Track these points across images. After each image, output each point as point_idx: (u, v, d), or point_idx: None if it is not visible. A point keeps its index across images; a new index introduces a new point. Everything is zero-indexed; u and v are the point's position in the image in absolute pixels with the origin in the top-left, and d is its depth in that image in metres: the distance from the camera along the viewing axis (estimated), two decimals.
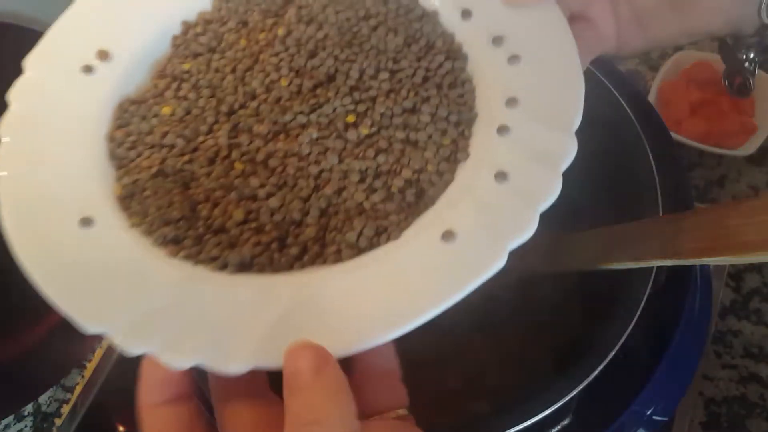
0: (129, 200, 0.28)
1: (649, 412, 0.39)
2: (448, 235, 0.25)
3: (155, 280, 0.25)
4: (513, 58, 0.29)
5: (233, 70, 0.32)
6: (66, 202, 0.27)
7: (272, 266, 0.26)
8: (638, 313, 0.34)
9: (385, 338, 0.23)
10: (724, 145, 0.64)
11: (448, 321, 0.48)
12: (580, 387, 0.32)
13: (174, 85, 0.32)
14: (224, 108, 0.31)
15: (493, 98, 0.29)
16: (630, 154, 0.40)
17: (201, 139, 0.30)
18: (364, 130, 0.29)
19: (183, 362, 0.22)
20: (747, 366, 0.55)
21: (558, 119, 0.27)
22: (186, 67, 0.32)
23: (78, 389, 0.60)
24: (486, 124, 0.28)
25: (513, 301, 0.42)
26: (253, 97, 0.31)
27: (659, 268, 0.36)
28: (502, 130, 0.27)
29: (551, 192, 0.26)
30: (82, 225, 0.27)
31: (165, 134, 0.30)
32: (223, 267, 0.26)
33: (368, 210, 0.27)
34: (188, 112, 0.31)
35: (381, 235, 0.26)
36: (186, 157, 0.29)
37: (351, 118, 0.29)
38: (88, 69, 0.32)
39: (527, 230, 0.24)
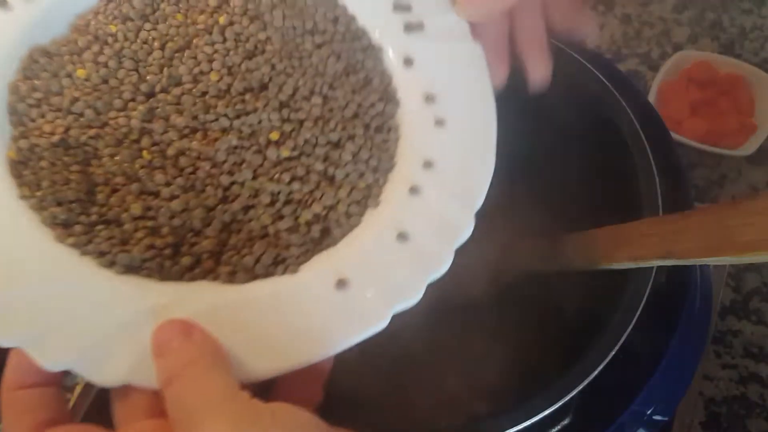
0: (22, 167, 0.26)
1: (649, 412, 0.39)
2: (341, 284, 0.25)
3: (34, 267, 0.23)
4: (439, 122, 0.29)
5: (162, 47, 0.29)
6: None
7: (161, 273, 0.25)
8: (638, 312, 0.34)
9: (264, 374, 0.23)
10: (723, 145, 0.64)
11: (448, 321, 0.48)
12: (580, 386, 0.32)
13: (95, 47, 0.29)
14: (144, 87, 0.28)
15: (413, 155, 0.29)
16: (630, 154, 0.40)
17: (113, 114, 0.28)
18: (284, 152, 0.28)
19: (50, 363, 0.21)
20: (747, 366, 0.55)
21: (465, 196, 0.28)
22: (112, 29, 0.30)
23: (78, 389, 0.60)
24: (400, 178, 0.28)
25: (513, 299, 0.42)
26: (178, 83, 0.29)
27: (659, 268, 0.36)
28: (414, 190, 0.28)
29: (443, 265, 0.26)
30: None
31: (75, 100, 0.27)
32: (111, 265, 0.24)
33: (271, 235, 0.26)
34: (105, 81, 0.28)
35: (279, 265, 0.26)
36: (93, 131, 0.27)
37: (275, 136, 0.28)
38: (3, 4, 0.29)
39: (414, 297, 0.25)
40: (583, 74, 0.43)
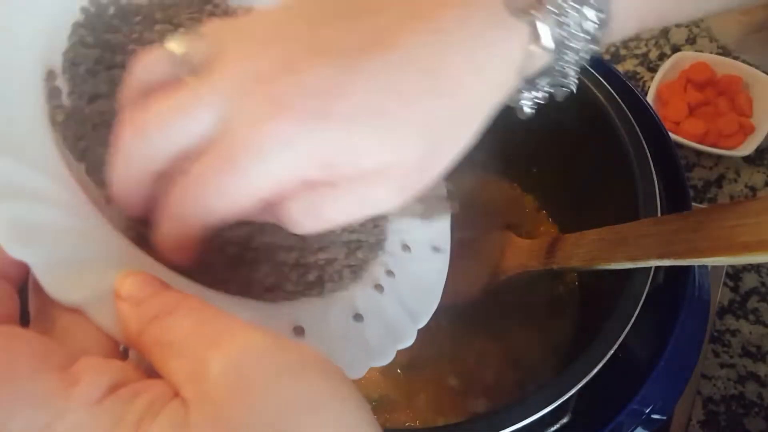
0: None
1: (647, 411, 0.40)
2: (298, 331, 0.27)
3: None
4: (405, 247, 0.33)
5: None
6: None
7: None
8: (637, 311, 0.34)
9: None
10: (722, 145, 0.65)
11: (447, 320, 0.48)
12: (579, 385, 0.32)
13: None
14: None
15: (380, 261, 0.32)
16: (628, 154, 0.40)
17: None
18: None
19: (17, 249, 0.20)
20: (745, 365, 0.56)
21: (417, 312, 0.31)
22: None
23: None
24: (370, 273, 0.31)
25: (513, 299, 0.42)
26: None
27: (657, 267, 0.36)
28: (378, 287, 0.31)
29: (383, 361, 0.28)
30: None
31: None
32: None
33: (277, 263, 0.28)
34: None
35: (273, 291, 0.27)
36: None
37: None
38: None
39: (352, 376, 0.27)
40: (582, 75, 0.43)
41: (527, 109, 0.26)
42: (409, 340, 0.30)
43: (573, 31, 0.23)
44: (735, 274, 0.60)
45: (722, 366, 0.56)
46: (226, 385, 0.17)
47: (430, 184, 0.25)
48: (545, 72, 0.24)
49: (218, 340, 0.18)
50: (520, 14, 0.22)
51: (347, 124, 0.21)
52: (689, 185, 0.64)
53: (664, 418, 0.41)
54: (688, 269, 0.41)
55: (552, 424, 0.35)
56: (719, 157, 0.65)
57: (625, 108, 0.41)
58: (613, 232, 0.35)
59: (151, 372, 0.20)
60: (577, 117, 0.44)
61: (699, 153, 0.65)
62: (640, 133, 0.40)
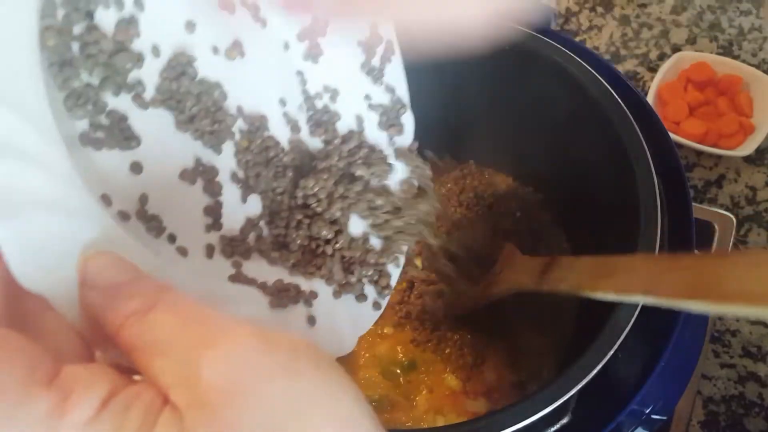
0: None
1: (647, 411, 0.40)
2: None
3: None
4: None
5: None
6: None
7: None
8: (637, 312, 0.34)
9: None
10: (722, 145, 0.65)
11: (447, 320, 0.48)
12: (579, 385, 0.32)
13: None
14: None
15: None
16: (628, 154, 0.40)
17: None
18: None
19: None
20: (745, 365, 0.55)
21: (355, 327, 0.33)
22: None
23: None
24: None
25: (513, 299, 0.42)
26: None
27: None
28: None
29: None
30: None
31: None
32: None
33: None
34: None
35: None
36: None
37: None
38: None
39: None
40: (582, 75, 0.43)
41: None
42: (345, 351, 0.32)
43: None
44: None
45: (722, 366, 0.56)
46: (220, 389, 0.17)
47: None
48: None
49: (207, 340, 0.18)
50: None
51: None
52: (689, 185, 0.64)
53: (665, 418, 0.41)
54: None
55: (552, 424, 0.35)
56: (719, 157, 0.65)
57: (625, 108, 0.41)
58: (604, 262, 0.35)
59: (127, 368, 0.19)
60: (577, 117, 0.44)
61: (699, 153, 0.65)
62: (640, 133, 0.40)
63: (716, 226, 0.57)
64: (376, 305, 0.34)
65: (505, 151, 0.53)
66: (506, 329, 0.47)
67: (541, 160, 0.51)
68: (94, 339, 0.20)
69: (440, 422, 0.44)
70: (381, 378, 0.46)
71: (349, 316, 0.32)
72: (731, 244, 0.57)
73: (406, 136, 0.37)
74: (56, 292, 0.19)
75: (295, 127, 0.34)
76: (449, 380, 0.46)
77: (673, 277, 0.30)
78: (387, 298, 0.35)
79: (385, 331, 0.48)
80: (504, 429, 0.31)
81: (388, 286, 0.35)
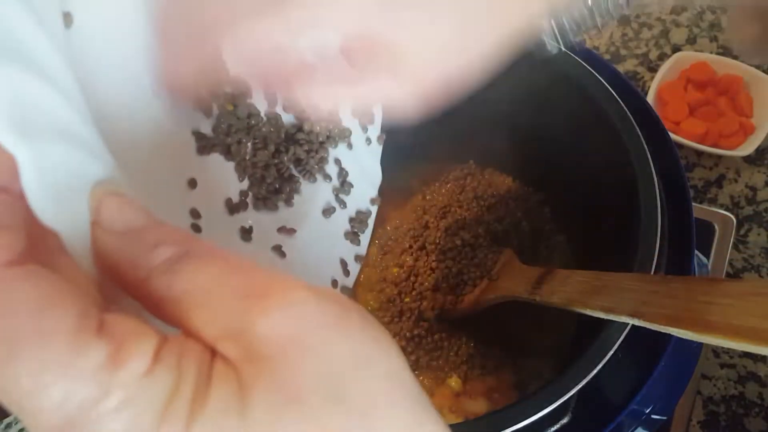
0: None
1: (647, 411, 0.40)
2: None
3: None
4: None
5: None
6: None
7: None
8: None
9: None
10: (722, 145, 0.65)
11: (447, 320, 0.48)
12: (580, 385, 0.32)
13: None
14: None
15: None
16: (628, 154, 0.40)
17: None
18: None
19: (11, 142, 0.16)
20: (745, 365, 0.55)
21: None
22: None
23: None
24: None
25: (513, 299, 0.42)
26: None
27: (658, 266, 0.36)
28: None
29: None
30: None
31: None
32: None
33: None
34: None
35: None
36: None
37: None
38: None
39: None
40: (582, 75, 0.43)
41: (549, 47, 0.29)
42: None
43: None
44: (735, 274, 0.60)
45: (722, 366, 0.56)
46: (276, 342, 0.16)
47: (442, 89, 0.27)
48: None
49: (255, 290, 0.17)
50: None
51: None
52: (689, 185, 0.64)
53: (665, 418, 0.41)
54: (688, 266, 0.41)
55: (552, 424, 0.35)
56: (719, 157, 0.65)
57: (625, 108, 0.41)
58: (597, 279, 0.35)
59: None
60: (577, 117, 0.44)
61: (699, 153, 0.65)
62: (640, 133, 0.40)
63: (716, 226, 0.57)
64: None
65: (506, 151, 0.53)
66: (506, 329, 0.47)
67: (541, 160, 0.51)
68: (107, 289, 0.18)
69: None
70: None
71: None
72: (731, 244, 0.57)
73: (376, 127, 0.41)
74: (70, 231, 0.17)
75: (272, 102, 0.35)
76: (449, 381, 0.46)
77: (661, 302, 0.30)
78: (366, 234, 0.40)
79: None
80: (504, 429, 0.31)
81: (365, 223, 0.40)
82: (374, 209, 0.42)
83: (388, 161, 0.43)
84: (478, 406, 0.45)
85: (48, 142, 0.17)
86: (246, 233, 0.32)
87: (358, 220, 0.40)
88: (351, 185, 0.40)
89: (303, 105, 0.27)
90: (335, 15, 0.24)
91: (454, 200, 0.53)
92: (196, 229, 0.29)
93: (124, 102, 0.26)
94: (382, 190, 0.43)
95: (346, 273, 0.39)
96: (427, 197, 0.54)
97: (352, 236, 0.40)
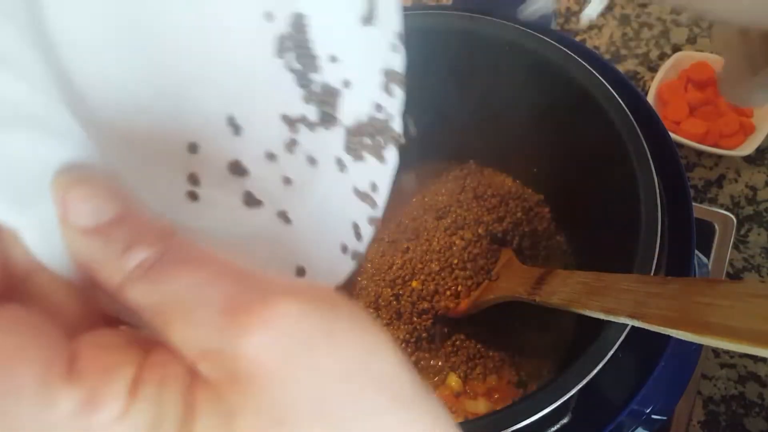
0: None
1: (648, 411, 0.40)
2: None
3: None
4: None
5: None
6: None
7: None
8: None
9: None
10: (722, 145, 0.65)
11: (447, 320, 0.48)
12: (580, 385, 0.32)
13: None
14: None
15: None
16: (629, 154, 0.40)
17: None
18: None
19: None
20: (745, 365, 0.55)
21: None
22: None
23: None
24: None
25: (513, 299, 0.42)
26: None
27: (658, 266, 0.36)
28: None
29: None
30: None
31: None
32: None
33: None
34: None
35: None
36: None
37: None
38: None
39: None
40: (582, 75, 0.43)
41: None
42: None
43: None
44: (735, 274, 0.59)
45: (722, 366, 0.56)
46: (263, 363, 0.15)
47: None
48: None
49: (239, 302, 0.15)
50: None
51: None
52: (690, 185, 0.64)
53: (665, 418, 0.41)
54: (689, 267, 0.41)
55: (552, 424, 0.35)
56: (720, 157, 0.65)
57: (625, 108, 0.41)
58: (596, 279, 0.35)
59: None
60: (577, 116, 0.44)
61: (699, 153, 0.65)
62: (640, 133, 0.40)
63: (717, 226, 0.57)
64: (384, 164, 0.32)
65: (506, 151, 0.53)
66: (506, 329, 0.47)
67: (542, 160, 0.51)
68: (88, 292, 0.16)
69: None
70: None
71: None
72: (731, 244, 0.57)
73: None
74: (37, 232, 0.15)
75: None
76: (449, 380, 0.46)
77: (660, 303, 0.30)
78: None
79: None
80: (504, 429, 0.31)
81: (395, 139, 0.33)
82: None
83: None
84: (478, 406, 0.45)
85: (6, 130, 0.15)
86: (250, 198, 0.29)
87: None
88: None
89: None
90: None
91: (454, 200, 0.53)
92: (193, 197, 0.26)
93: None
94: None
95: (358, 236, 0.34)
96: (427, 197, 0.54)
97: (365, 196, 0.34)
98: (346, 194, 0.32)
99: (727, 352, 0.56)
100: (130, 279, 0.15)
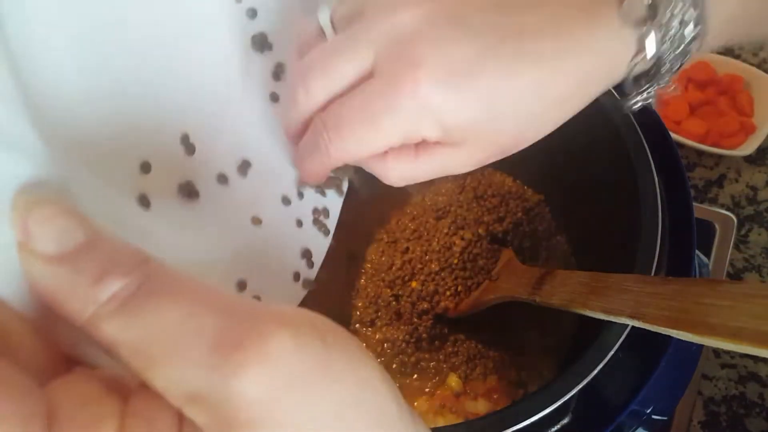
0: None
1: (648, 411, 0.39)
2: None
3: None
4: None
5: None
6: None
7: None
8: None
9: None
10: (723, 145, 0.64)
11: (447, 320, 0.48)
12: (580, 386, 0.32)
13: None
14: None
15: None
16: (629, 154, 0.40)
17: None
18: None
19: None
20: (746, 365, 0.55)
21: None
22: None
23: None
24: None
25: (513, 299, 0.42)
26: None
27: (659, 266, 0.36)
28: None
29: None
30: None
31: None
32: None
33: None
34: None
35: None
36: None
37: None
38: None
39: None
40: None
41: (634, 107, 0.32)
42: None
43: (673, 45, 0.27)
44: (736, 274, 0.59)
45: (723, 366, 0.56)
46: (253, 405, 0.14)
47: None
48: (642, 75, 0.29)
49: (227, 341, 0.14)
50: (632, 27, 0.27)
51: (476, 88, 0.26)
52: (690, 185, 0.64)
53: (665, 418, 0.41)
54: (689, 267, 0.41)
55: (552, 425, 0.35)
56: (720, 156, 0.65)
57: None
58: (597, 279, 0.35)
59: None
60: (577, 116, 0.44)
61: (700, 153, 0.65)
62: (640, 133, 0.40)
63: (717, 226, 0.57)
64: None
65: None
66: (506, 329, 0.47)
67: (542, 160, 0.51)
68: (48, 330, 0.15)
69: (440, 423, 0.44)
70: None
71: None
72: (732, 244, 0.57)
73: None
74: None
75: None
76: (449, 380, 0.46)
77: (661, 303, 0.29)
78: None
79: (382, 330, 0.48)
80: (504, 429, 0.31)
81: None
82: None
83: None
84: (478, 406, 0.45)
85: None
86: (199, 218, 0.28)
87: (323, 209, 0.36)
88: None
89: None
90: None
91: (454, 200, 0.53)
92: (145, 203, 0.25)
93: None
94: (381, 190, 0.43)
95: (310, 264, 0.35)
96: (427, 197, 0.54)
97: (318, 224, 0.36)
98: (296, 222, 0.34)
99: (727, 352, 0.56)
100: (104, 312, 0.14)
